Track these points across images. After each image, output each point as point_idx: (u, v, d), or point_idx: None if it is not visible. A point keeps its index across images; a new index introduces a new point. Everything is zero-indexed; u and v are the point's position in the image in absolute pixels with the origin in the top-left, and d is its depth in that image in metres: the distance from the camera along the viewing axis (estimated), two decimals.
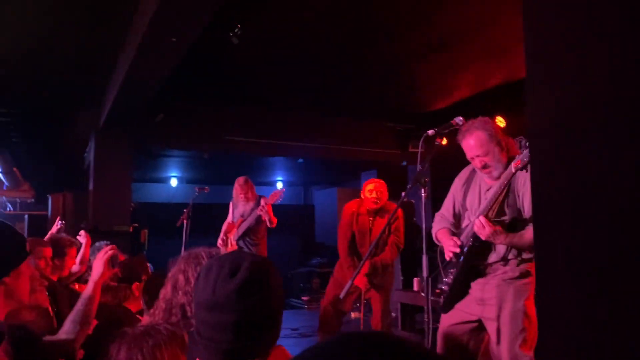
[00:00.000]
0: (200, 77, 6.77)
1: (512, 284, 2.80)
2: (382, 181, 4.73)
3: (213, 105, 7.91)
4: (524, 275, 2.82)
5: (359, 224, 4.69)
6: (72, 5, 4.61)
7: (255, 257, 1.34)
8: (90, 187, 7.53)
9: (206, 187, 6.62)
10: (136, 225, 7.48)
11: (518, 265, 2.82)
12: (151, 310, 1.94)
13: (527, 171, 2.74)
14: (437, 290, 2.98)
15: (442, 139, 2.90)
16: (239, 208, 5.83)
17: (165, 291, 1.93)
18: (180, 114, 7.70)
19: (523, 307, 2.79)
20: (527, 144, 2.47)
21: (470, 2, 4.94)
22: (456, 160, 3.35)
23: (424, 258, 2.71)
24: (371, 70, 6.77)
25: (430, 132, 2.90)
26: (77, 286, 3.76)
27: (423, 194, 2.77)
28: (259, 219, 5.66)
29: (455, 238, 2.94)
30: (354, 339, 0.53)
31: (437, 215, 3.19)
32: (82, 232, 3.96)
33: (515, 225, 2.77)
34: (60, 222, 4.35)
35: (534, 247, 1.35)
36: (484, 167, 2.83)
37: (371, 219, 4.71)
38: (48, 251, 3.46)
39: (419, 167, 2.79)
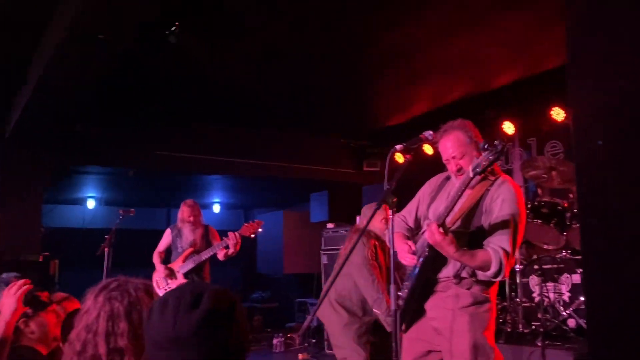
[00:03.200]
0: (129, 85, 6.62)
1: (467, 311, 2.83)
2: None
3: (142, 117, 7.74)
4: (480, 301, 2.85)
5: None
6: None
7: (216, 286, 1.32)
8: None
9: (132, 210, 6.44)
10: (46, 254, 7.15)
11: (470, 287, 2.85)
12: None
13: (491, 185, 2.83)
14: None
15: (410, 155, 2.93)
16: (185, 235, 5.73)
17: (75, 342, 1.73)
18: (104, 125, 7.46)
19: (483, 339, 2.82)
20: (486, 146, 2.54)
21: (427, 12, 5.09)
22: (422, 178, 3.41)
23: (392, 288, 2.70)
24: (323, 82, 6.84)
25: (399, 147, 2.93)
26: None
27: (390, 216, 2.77)
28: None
29: (410, 242, 3.00)
30: None
31: (397, 218, 3.23)
32: None
33: (473, 241, 2.82)
34: None
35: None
36: (459, 170, 2.91)
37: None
38: None
39: (385, 186, 2.79)
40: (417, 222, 3.21)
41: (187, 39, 4.90)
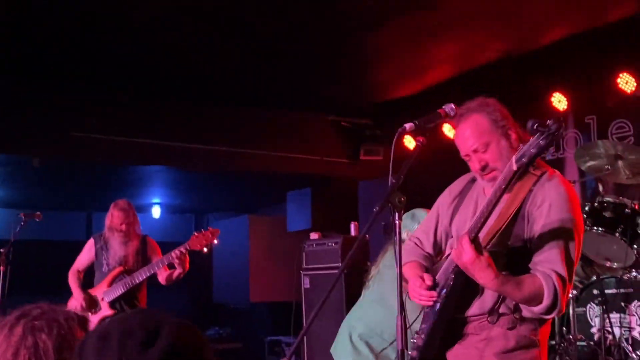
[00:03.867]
0: (34, 41, 6.57)
1: (506, 359, 2.83)
2: None
3: (54, 85, 7.70)
4: (525, 345, 2.84)
5: None
6: None
7: (178, 319, 1.31)
8: None
9: (38, 213, 6.45)
10: None
11: (513, 327, 2.84)
12: None
13: (535, 184, 2.80)
14: None
15: (424, 137, 2.94)
16: (113, 249, 5.76)
17: None
18: None
19: None
20: (536, 126, 2.45)
21: None
22: (442, 171, 3.42)
23: (399, 320, 2.70)
24: (304, 39, 6.84)
25: (409, 126, 2.92)
26: None
27: (397, 221, 2.77)
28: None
29: (425, 275, 2.95)
30: None
31: (408, 242, 3.22)
32: None
33: (513, 263, 2.81)
34: None
35: None
36: (484, 168, 2.88)
37: None
38: None
39: (391, 180, 2.79)
40: (438, 247, 3.19)
41: None
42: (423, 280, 2.92)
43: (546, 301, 2.67)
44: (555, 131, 2.42)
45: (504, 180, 2.66)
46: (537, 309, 2.71)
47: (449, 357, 2.96)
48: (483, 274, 2.63)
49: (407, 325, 3.08)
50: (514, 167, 2.59)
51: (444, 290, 2.88)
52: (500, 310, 2.82)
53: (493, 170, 2.85)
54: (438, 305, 2.90)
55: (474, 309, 2.88)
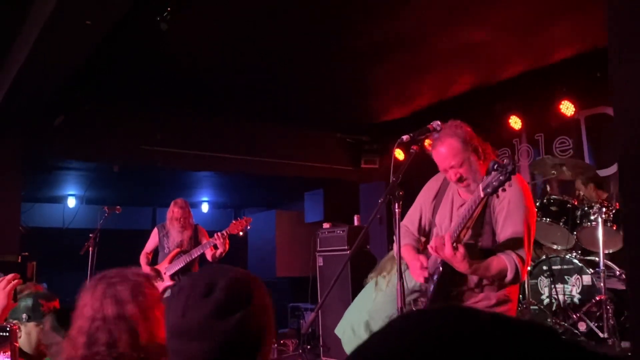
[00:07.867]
0: (113, 73, 6.59)
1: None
2: None
3: (127, 109, 7.72)
4: (502, 302, 2.89)
5: None
6: None
7: (236, 272, 1.34)
8: None
9: (118, 207, 6.46)
10: (26, 254, 7.12)
11: (497, 290, 2.88)
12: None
13: (502, 190, 2.80)
14: None
15: (417, 146, 2.94)
16: (172, 236, 5.76)
17: (78, 337, 1.69)
18: (85, 117, 7.42)
19: None
20: (496, 166, 2.49)
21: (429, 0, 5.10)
22: (429, 171, 3.43)
23: (398, 285, 2.73)
24: (317, 73, 6.85)
25: (405, 137, 2.93)
26: None
27: (397, 209, 2.80)
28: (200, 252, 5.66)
29: (422, 257, 2.95)
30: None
31: (401, 227, 3.22)
32: None
33: (485, 250, 2.82)
34: None
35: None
36: (460, 180, 2.89)
37: None
38: None
39: (392, 179, 2.82)
40: (421, 230, 3.21)
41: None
42: (421, 262, 2.92)
43: (510, 275, 2.73)
44: (511, 170, 2.46)
45: (474, 202, 2.68)
46: (505, 281, 2.78)
47: None
48: (459, 265, 2.65)
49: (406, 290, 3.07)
50: (482, 195, 2.59)
51: (436, 276, 2.89)
52: (484, 283, 2.88)
53: (466, 180, 2.87)
54: (432, 287, 2.91)
55: (465, 285, 2.90)
